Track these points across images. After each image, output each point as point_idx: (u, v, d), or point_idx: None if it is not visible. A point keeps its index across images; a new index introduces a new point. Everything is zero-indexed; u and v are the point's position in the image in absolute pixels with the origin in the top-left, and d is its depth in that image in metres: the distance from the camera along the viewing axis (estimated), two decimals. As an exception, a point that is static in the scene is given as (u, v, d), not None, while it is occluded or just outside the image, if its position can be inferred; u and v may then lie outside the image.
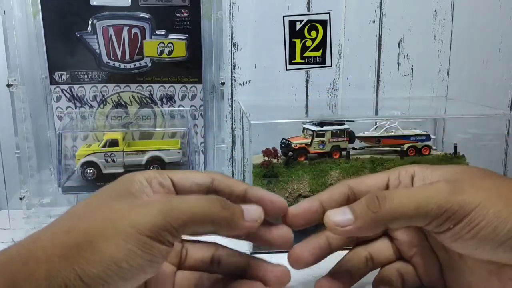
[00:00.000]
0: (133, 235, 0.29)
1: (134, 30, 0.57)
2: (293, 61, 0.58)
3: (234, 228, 0.34)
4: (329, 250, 0.39)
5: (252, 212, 0.35)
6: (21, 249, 0.29)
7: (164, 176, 0.36)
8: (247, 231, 0.35)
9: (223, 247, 0.39)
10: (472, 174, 0.36)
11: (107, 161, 0.56)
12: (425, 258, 0.40)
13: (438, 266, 0.39)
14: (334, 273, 0.39)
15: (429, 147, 0.60)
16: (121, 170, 0.57)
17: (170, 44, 0.58)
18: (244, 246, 0.46)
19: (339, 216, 0.34)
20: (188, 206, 0.32)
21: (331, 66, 0.59)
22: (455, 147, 0.60)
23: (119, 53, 0.58)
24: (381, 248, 0.41)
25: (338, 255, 0.41)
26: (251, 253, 0.39)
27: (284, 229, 0.37)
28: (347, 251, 0.41)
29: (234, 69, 0.66)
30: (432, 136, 0.63)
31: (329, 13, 0.57)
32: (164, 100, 0.60)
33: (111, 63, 0.58)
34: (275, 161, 0.55)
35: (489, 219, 0.31)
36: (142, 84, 0.59)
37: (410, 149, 0.60)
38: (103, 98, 0.59)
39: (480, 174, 0.36)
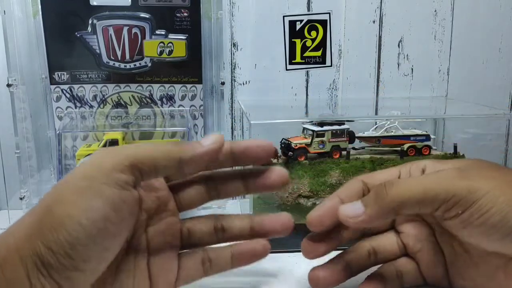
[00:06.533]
0: (86, 187, 0.29)
1: (134, 30, 0.57)
2: (293, 61, 0.58)
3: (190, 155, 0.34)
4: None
5: (209, 137, 0.35)
6: None
7: None
8: (208, 156, 0.35)
9: (223, 215, 0.39)
10: (482, 166, 0.36)
11: (107, 161, 0.56)
12: (431, 254, 0.39)
13: (443, 264, 0.39)
14: (331, 263, 0.39)
15: (429, 147, 0.60)
16: (121, 170, 0.57)
17: (170, 44, 0.58)
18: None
19: (351, 209, 0.35)
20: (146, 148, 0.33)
21: (331, 66, 0.59)
22: (455, 147, 0.60)
23: (119, 53, 0.58)
24: (386, 242, 0.41)
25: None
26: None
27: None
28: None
29: (234, 69, 0.66)
30: (432, 136, 0.62)
31: (329, 13, 0.57)
32: (164, 100, 0.60)
33: (111, 63, 0.58)
34: (275, 161, 0.55)
35: (498, 206, 0.31)
36: (142, 84, 0.59)
37: (410, 149, 0.60)
38: (103, 98, 0.59)
39: (489, 166, 0.36)
